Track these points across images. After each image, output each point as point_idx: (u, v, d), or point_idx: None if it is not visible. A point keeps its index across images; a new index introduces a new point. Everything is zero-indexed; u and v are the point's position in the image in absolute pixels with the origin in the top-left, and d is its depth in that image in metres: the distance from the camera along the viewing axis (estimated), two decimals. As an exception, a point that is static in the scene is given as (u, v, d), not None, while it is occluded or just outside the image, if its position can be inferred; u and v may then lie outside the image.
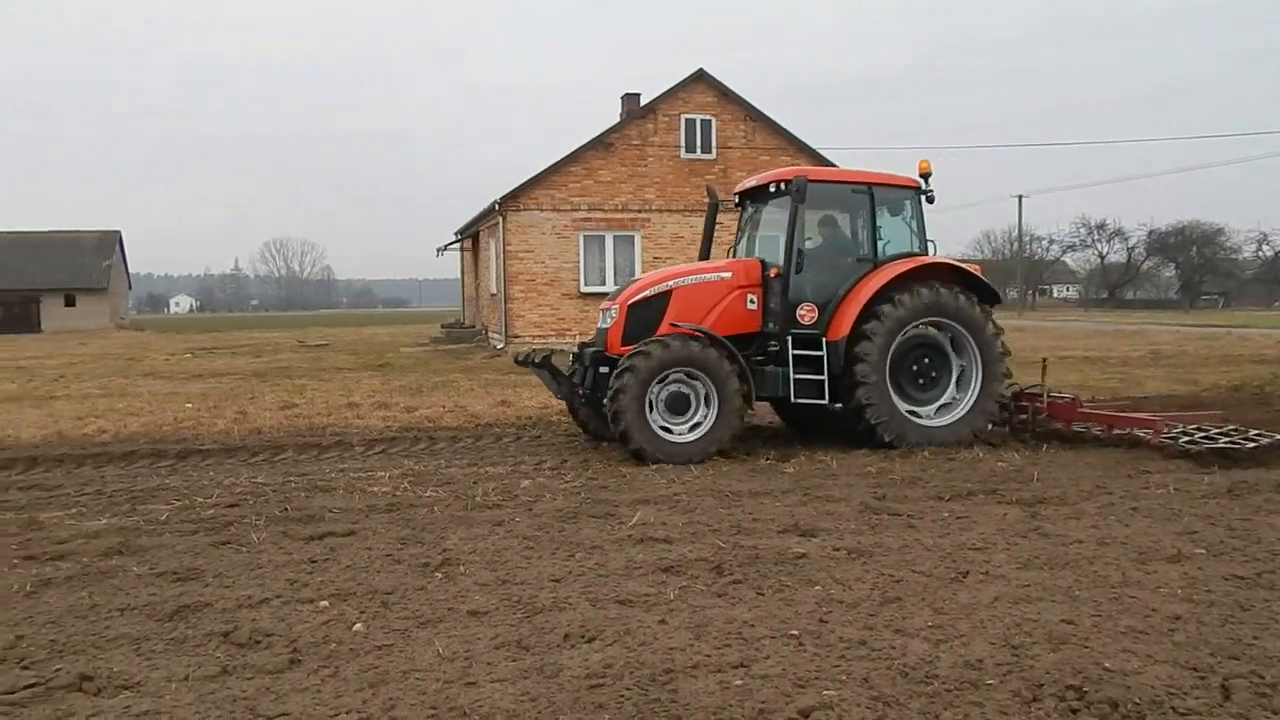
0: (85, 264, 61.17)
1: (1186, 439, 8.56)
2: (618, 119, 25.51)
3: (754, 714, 3.51)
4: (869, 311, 9.28)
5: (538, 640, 4.30)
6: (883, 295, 9.30)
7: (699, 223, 24.53)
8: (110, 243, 63.84)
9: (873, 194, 9.70)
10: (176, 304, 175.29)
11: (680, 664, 3.98)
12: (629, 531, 6.29)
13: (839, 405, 9.48)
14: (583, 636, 4.33)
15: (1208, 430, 8.76)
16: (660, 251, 24.11)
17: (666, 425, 8.98)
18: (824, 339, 9.43)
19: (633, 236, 24.01)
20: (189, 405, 14.00)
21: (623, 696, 3.68)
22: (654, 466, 8.70)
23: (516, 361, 10.36)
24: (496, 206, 23.69)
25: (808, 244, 9.78)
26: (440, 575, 5.33)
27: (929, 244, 10.02)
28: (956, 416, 9.59)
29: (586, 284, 23.80)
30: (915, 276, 9.47)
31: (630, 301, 9.62)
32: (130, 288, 78.23)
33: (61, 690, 3.80)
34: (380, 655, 4.15)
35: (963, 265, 10.08)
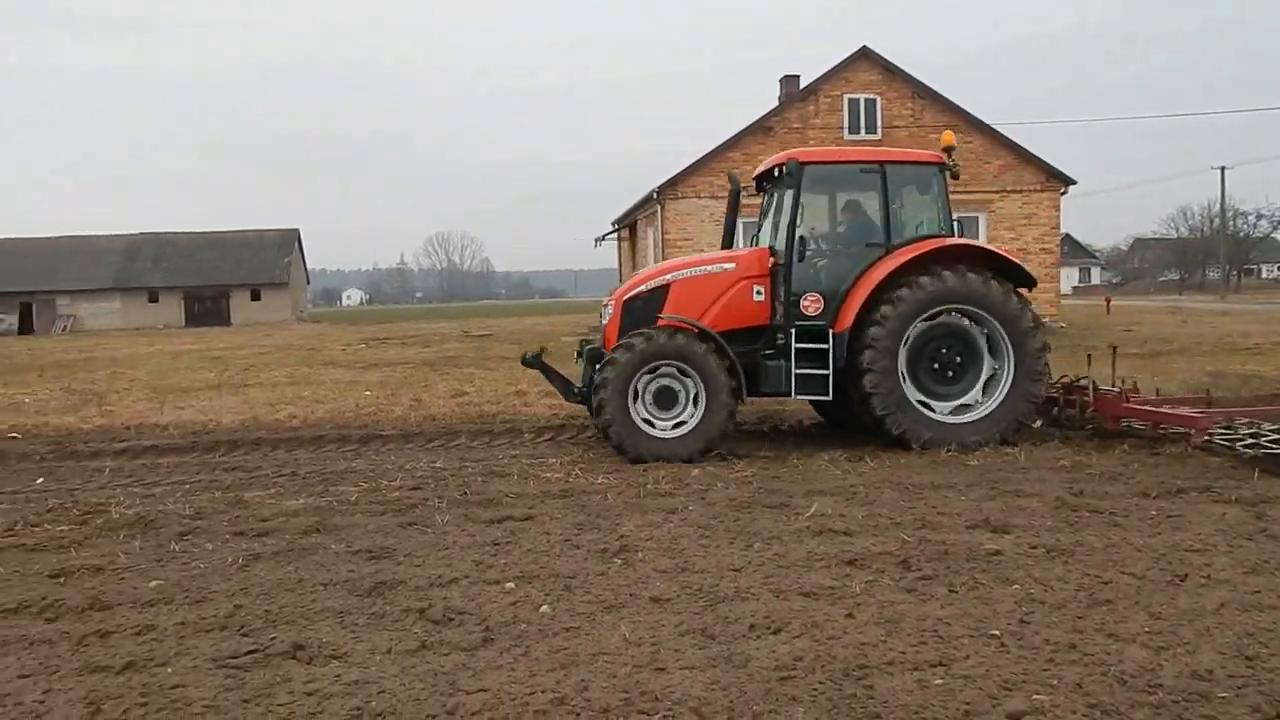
0: (268, 261, 65.83)
1: (1238, 440, 7.69)
2: (776, 102, 25.21)
3: (959, 715, 3.39)
4: (880, 298, 8.76)
5: (722, 629, 4.30)
6: (895, 282, 8.75)
7: (864, 206, 24.05)
8: (290, 240, 68.42)
9: (885, 173, 9.07)
10: (348, 297, 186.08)
11: (874, 660, 3.89)
12: (806, 523, 6.20)
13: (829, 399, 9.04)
14: (768, 628, 4.31)
15: (1262, 429, 7.81)
16: (823, 237, 23.71)
17: (652, 420, 8.77)
18: (830, 331, 8.93)
19: (794, 222, 23.69)
20: (368, 393, 14.83)
21: (816, 690, 3.63)
22: (826, 458, 8.58)
23: (523, 362, 10.14)
24: (655, 195, 23.88)
25: (812, 230, 9.40)
26: (619, 561, 5.42)
27: (955, 224, 9.36)
28: (984, 413, 8.93)
29: (747, 272, 23.66)
30: (935, 260, 8.85)
31: (626, 297, 9.44)
32: (308, 283, 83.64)
33: (278, 657, 4.09)
34: (568, 637, 4.26)
35: (989, 247, 9.46)
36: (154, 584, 5.21)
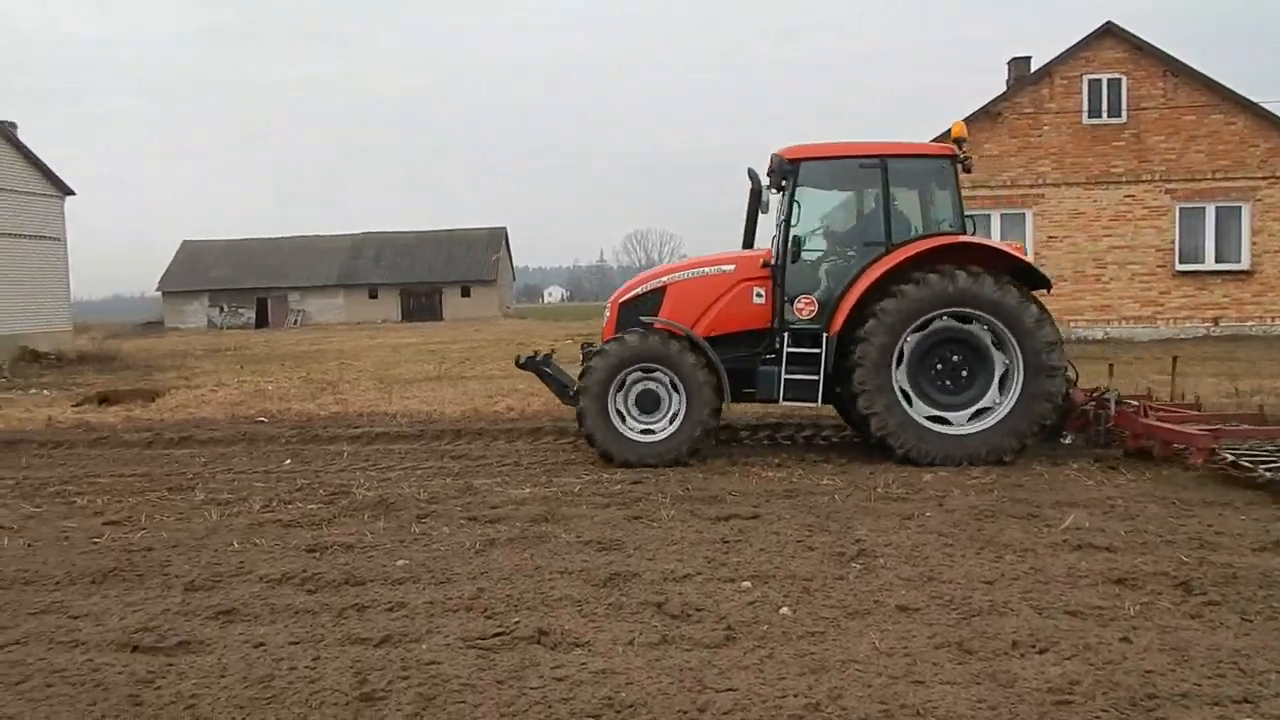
0: (477, 258, 69.39)
1: (1262, 461, 7.05)
2: (1004, 87, 23.94)
3: (1280, 761, 3.04)
4: (868, 306, 8.33)
5: (981, 645, 4.08)
6: (886, 284, 8.31)
7: (1103, 196, 22.44)
8: (498, 239, 71.83)
9: (886, 167, 8.63)
10: (549, 294, 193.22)
11: (1164, 690, 3.57)
12: (1061, 536, 5.81)
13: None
14: (1033, 646, 4.05)
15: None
16: (1056, 230, 22.26)
17: (636, 425, 8.68)
18: (824, 335, 8.59)
19: (1023, 214, 22.38)
20: (579, 387, 15.26)
21: (1099, 718, 3.36)
22: (1076, 466, 8.05)
23: (517, 365, 10.17)
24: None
25: (809, 230, 8.99)
26: (858, 566, 5.27)
27: (966, 220, 8.73)
28: (992, 423, 8.30)
29: (968, 267, 22.62)
30: (934, 260, 8.29)
31: (622, 299, 9.37)
32: (514, 279, 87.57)
33: (523, 641, 4.24)
34: (813, 641, 4.17)
35: (997, 245, 8.73)
36: (400, 563, 5.54)
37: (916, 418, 8.32)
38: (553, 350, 10.38)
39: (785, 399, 8.77)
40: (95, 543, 6.37)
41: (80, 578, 5.48)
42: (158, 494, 8.08)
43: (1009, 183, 22.52)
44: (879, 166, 8.66)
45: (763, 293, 8.98)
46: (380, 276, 69.23)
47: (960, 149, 8.81)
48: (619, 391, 8.67)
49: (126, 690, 3.82)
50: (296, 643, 4.34)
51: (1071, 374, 8.99)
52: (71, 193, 26.16)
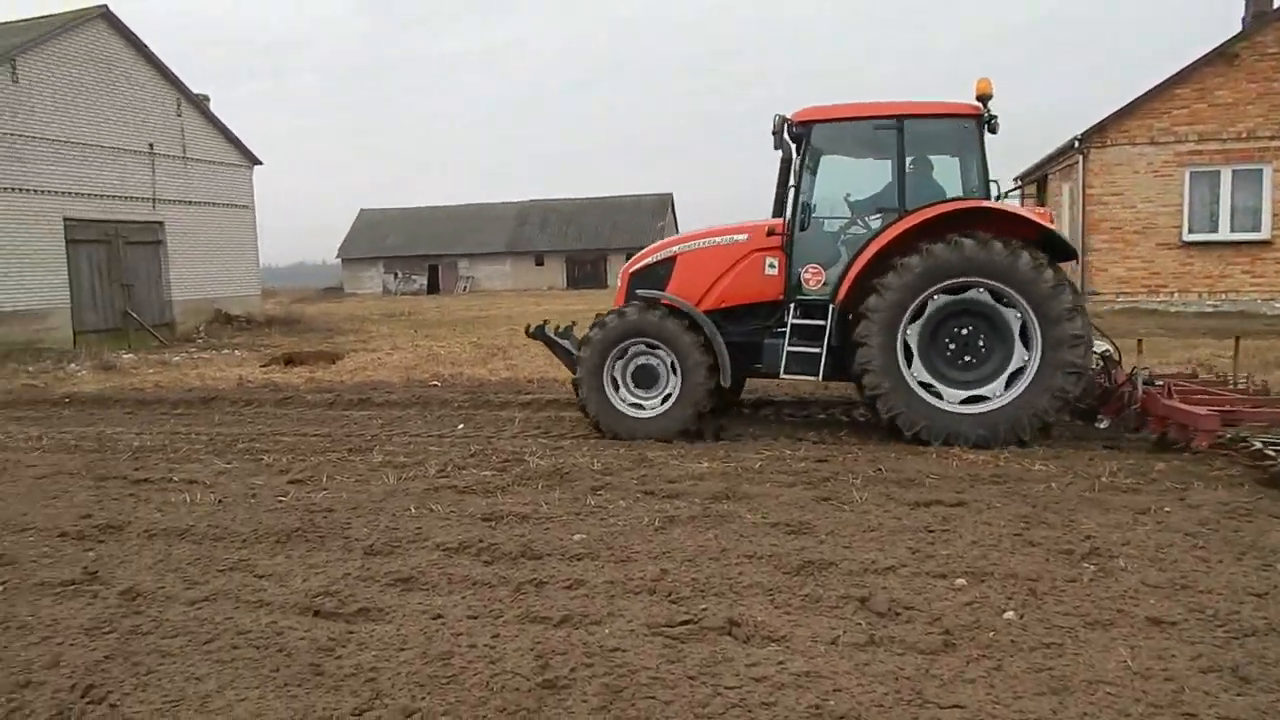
0: (644, 225, 69.68)
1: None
2: (1239, 27, 21.69)
3: None
4: (872, 278, 8.00)
5: (1261, 673, 3.50)
6: (891, 254, 7.98)
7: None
8: (664, 205, 71.86)
9: (903, 129, 8.22)
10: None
11: None
12: (1339, 543, 5.03)
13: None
14: (1328, 678, 3.43)
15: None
16: (1298, 189, 20.08)
17: (632, 400, 8.70)
18: (830, 306, 8.36)
19: (1260, 170, 20.23)
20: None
21: None
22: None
23: (527, 334, 10.07)
24: (1077, 143, 21.61)
25: (819, 196, 8.65)
26: (1092, 567, 4.70)
27: (991, 184, 8.24)
28: (1008, 400, 7.86)
29: (1191, 231, 20.68)
30: (944, 227, 7.86)
31: (631, 270, 9.36)
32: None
33: (712, 632, 3.96)
34: (1049, 654, 3.70)
35: (1018, 211, 8.20)
36: (577, 537, 5.38)
37: (921, 395, 7.98)
38: (573, 323, 10.27)
39: (786, 373, 8.50)
40: (280, 501, 6.54)
41: (266, 536, 5.59)
42: (338, 454, 8.29)
43: (1244, 134, 20.40)
44: (895, 128, 8.27)
45: (775, 263, 8.73)
46: (546, 243, 70.64)
47: (985, 107, 8.27)
48: (618, 365, 8.72)
49: (308, 658, 3.78)
50: (474, 617, 4.22)
51: (1112, 351, 8.71)
52: (259, 163, 27.69)
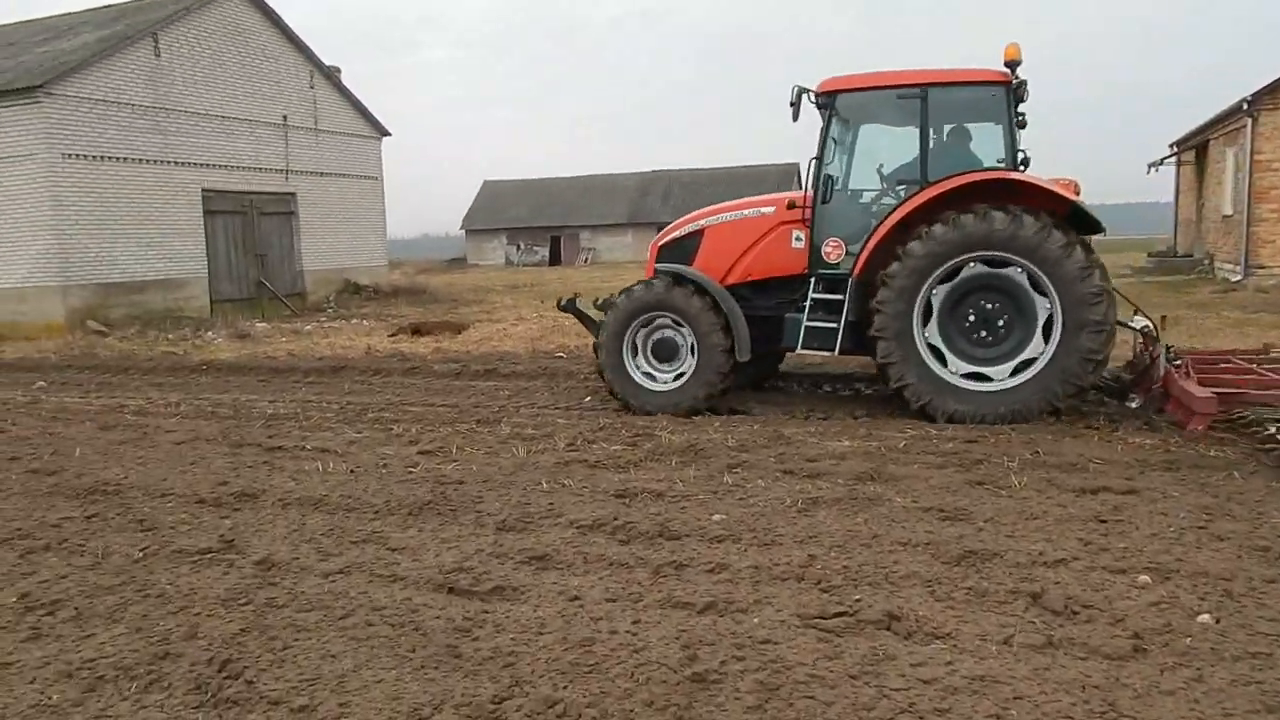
0: (767, 194, 68.72)
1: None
2: None
3: None
4: (892, 249, 7.91)
5: None
6: (913, 225, 7.87)
7: None
8: (790, 177, 70.61)
9: (927, 98, 8.10)
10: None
11: None
12: None
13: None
14: None
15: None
16: None
17: (646, 370, 8.81)
18: (849, 280, 8.32)
19: None
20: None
21: None
22: None
23: (559, 307, 10.29)
24: (1246, 104, 20.09)
25: (843, 168, 8.73)
26: (1296, 569, 4.25)
27: (1017, 154, 8.03)
28: (1022, 380, 7.72)
29: (1378, 198, 19.06)
30: (973, 199, 7.69)
31: (660, 243, 9.44)
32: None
33: (870, 625, 3.71)
34: (1258, 666, 3.32)
35: (1044, 183, 7.72)
36: (716, 517, 5.18)
37: (934, 370, 7.88)
38: (611, 296, 9.99)
39: (803, 348, 8.55)
40: (411, 472, 6.56)
41: (398, 508, 5.60)
42: (466, 426, 8.32)
43: None
44: (919, 97, 8.15)
45: (802, 236, 8.68)
46: (669, 215, 70.25)
47: (1014, 74, 8.03)
48: (640, 335, 8.81)
49: (445, 639, 3.69)
50: (613, 600, 4.08)
51: (1150, 327, 8.45)
52: (388, 134, 28.31)
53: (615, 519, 5.17)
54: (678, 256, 9.14)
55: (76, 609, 4.23)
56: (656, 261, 9.31)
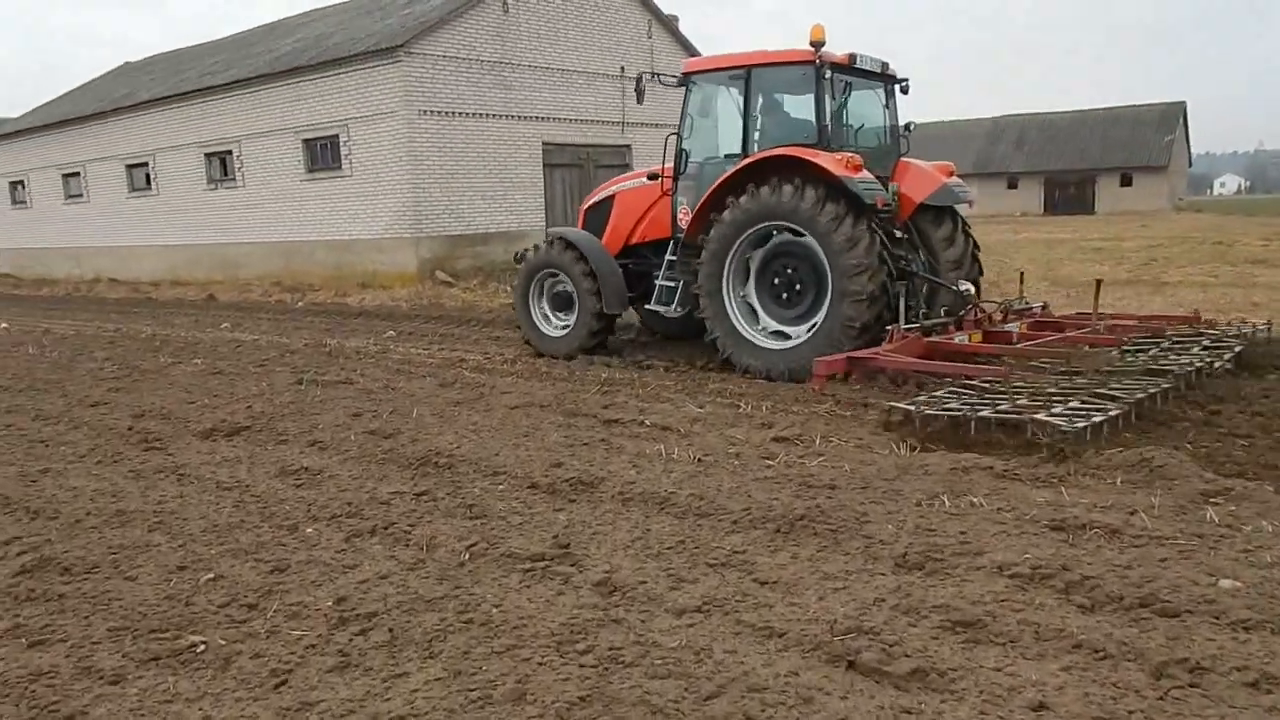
0: (1145, 141, 61.28)
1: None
2: None
3: None
4: (708, 217, 9.00)
5: None
6: (721, 197, 8.86)
7: None
8: (1173, 117, 62.50)
9: (749, 78, 9.06)
10: (1222, 184, 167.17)
11: None
12: None
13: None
14: None
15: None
16: None
17: (550, 319, 10.45)
18: (681, 242, 9.59)
19: None
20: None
21: None
22: None
23: (516, 260, 11.19)
24: None
25: (694, 142, 9.66)
26: None
27: (824, 129, 8.63)
28: (800, 342, 8.53)
29: None
30: (768, 172, 8.50)
31: (585, 207, 10.86)
32: (1190, 165, 76.38)
33: None
34: None
35: (820, 160, 8.24)
36: (1226, 584, 3.63)
37: (739, 327, 8.83)
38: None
39: (656, 303, 9.81)
40: (768, 466, 5.56)
41: (762, 520, 4.55)
42: (825, 407, 7.18)
43: None
44: (744, 77, 9.05)
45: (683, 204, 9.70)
46: (1021, 164, 64.92)
47: (818, 53, 8.57)
48: (544, 288, 10.44)
49: (859, 762, 2.58)
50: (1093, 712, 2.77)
51: (970, 289, 9.00)
52: (725, 80, 27.56)
53: (1063, 567, 3.80)
54: (598, 218, 10.49)
55: (391, 630, 3.57)
56: (584, 223, 10.66)
